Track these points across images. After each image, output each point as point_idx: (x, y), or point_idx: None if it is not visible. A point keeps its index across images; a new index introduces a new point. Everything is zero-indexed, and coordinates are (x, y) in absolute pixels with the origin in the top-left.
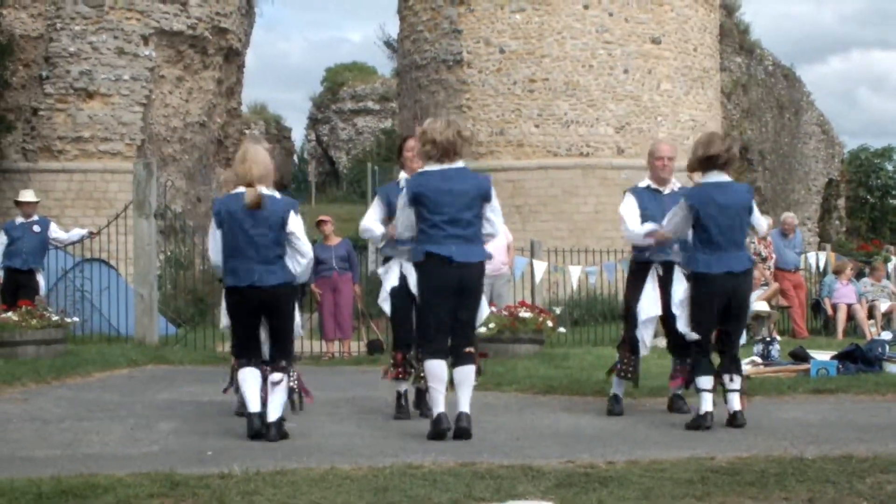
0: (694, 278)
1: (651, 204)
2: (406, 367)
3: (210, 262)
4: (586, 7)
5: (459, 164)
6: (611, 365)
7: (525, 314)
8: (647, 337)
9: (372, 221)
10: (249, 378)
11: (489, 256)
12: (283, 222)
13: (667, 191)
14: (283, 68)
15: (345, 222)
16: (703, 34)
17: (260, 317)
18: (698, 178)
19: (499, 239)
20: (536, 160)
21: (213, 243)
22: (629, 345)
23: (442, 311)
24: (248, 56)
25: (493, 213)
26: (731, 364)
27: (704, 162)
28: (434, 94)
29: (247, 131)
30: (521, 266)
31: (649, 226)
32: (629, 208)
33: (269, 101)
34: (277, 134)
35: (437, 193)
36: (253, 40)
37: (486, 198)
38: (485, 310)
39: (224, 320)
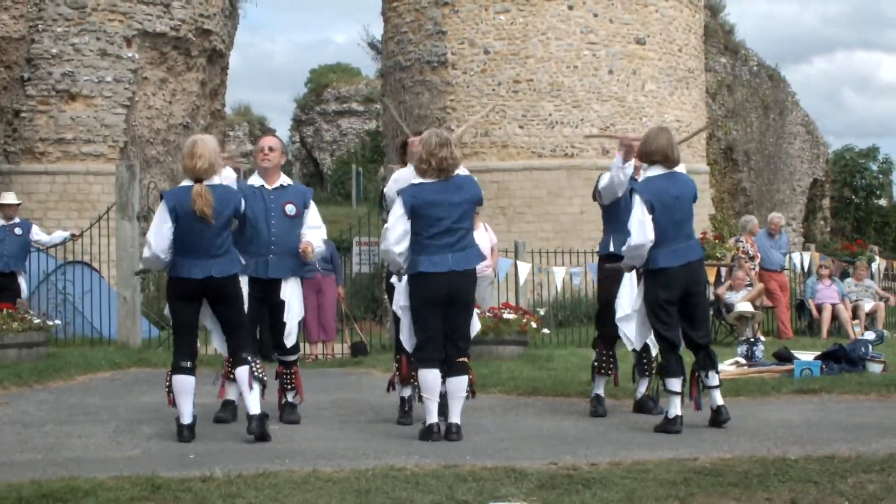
0: (653, 276)
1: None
2: (412, 372)
3: (147, 253)
4: (571, 8)
5: (457, 172)
6: (591, 365)
7: (509, 315)
8: (632, 331)
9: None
10: (188, 387)
11: (483, 258)
12: (235, 211)
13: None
14: (267, 70)
15: (329, 223)
16: (688, 35)
17: (198, 313)
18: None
19: (483, 241)
20: (521, 161)
21: (159, 236)
22: (604, 340)
23: (434, 320)
24: (232, 57)
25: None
26: (707, 359)
27: (647, 156)
28: (418, 95)
29: (231, 133)
30: (505, 267)
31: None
32: (603, 180)
33: (254, 102)
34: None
35: (433, 206)
36: (237, 42)
37: (480, 202)
38: (477, 321)
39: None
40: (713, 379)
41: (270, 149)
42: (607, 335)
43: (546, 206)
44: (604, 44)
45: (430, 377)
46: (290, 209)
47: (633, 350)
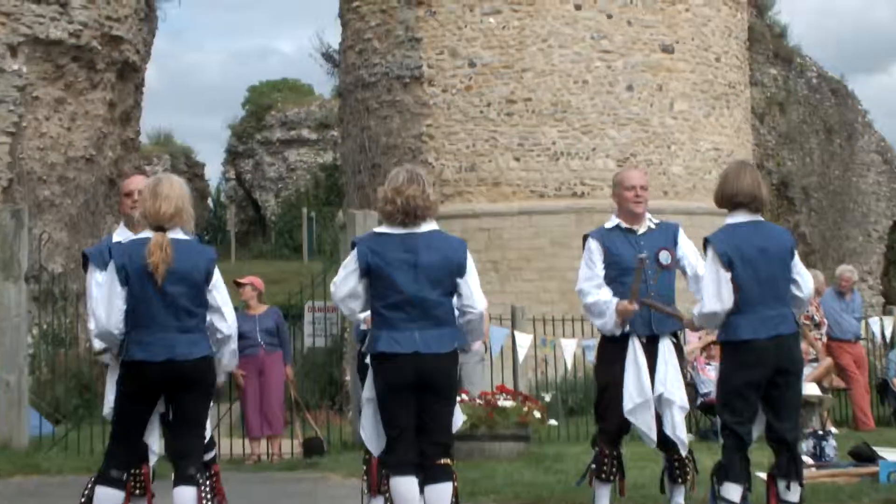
0: (730, 350)
1: (623, 248)
2: (384, 480)
3: (96, 329)
4: (578, 7)
5: (426, 226)
6: (584, 469)
7: (505, 402)
8: (646, 425)
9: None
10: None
11: (463, 346)
12: (207, 275)
13: (642, 229)
14: (194, 87)
15: (274, 284)
16: (728, 40)
17: (154, 406)
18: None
19: None
20: (517, 203)
21: (106, 304)
22: (606, 437)
23: (404, 415)
24: (149, 72)
25: (468, 286)
26: (791, 465)
27: (728, 199)
28: (386, 119)
29: (147, 167)
30: (499, 339)
31: (602, 294)
32: (590, 260)
33: (177, 128)
34: (187, 171)
35: (396, 267)
36: (154, 51)
37: (460, 271)
38: (460, 411)
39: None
40: (794, 494)
41: (141, 192)
42: (609, 430)
43: (549, 259)
44: (620, 52)
45: (403, 487)
46: None
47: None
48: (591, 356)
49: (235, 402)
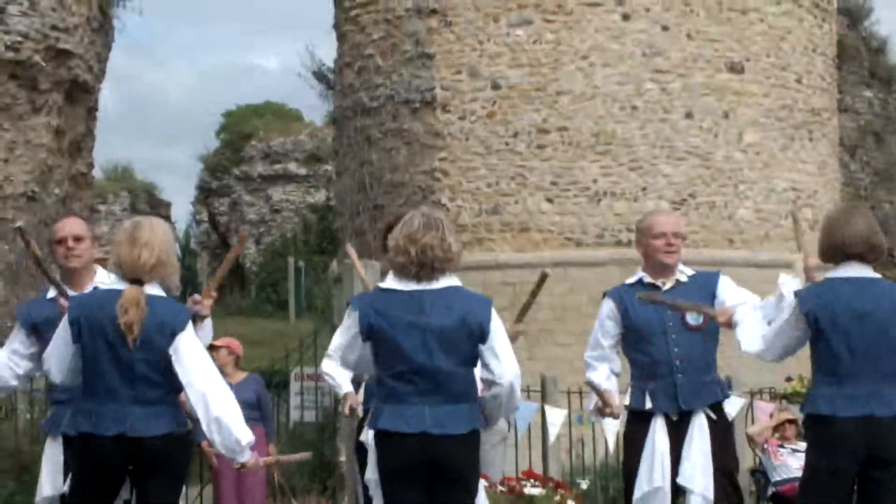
0: (810, 428)
1: (643, 308)
2: None
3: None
4: (626, 17)
5: (445, 281)
6: None
7: (533, 490)
8: None
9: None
10: None
11: (483, 425)
12: (172, 337)
13: (668, 284)
14: (159, 112)
15: (254, 347)
16: (812, 56)
17: (117, 492)
18: (815, 270)
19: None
20: (549, 252)
21: (56, 360)
22: None
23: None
24: (104, 93)
25: (494, 353)
26: None
27: (836, 249)
28: (391, 152)
29: (102, 207)
30: (526, 415)
31: (601, 377)
32: (601, 325)
33: (137, 161)
34: (150, 212)
35: (403, 330)
36: (110, 69)
37: (482, 336)
38: (484, 502)
39: (47, 489)
40: None
41: (77, 238)
42: None
43: (587, 320)
44: (678, 72)
45: None
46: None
47: None
48: None
49: (207, 485)
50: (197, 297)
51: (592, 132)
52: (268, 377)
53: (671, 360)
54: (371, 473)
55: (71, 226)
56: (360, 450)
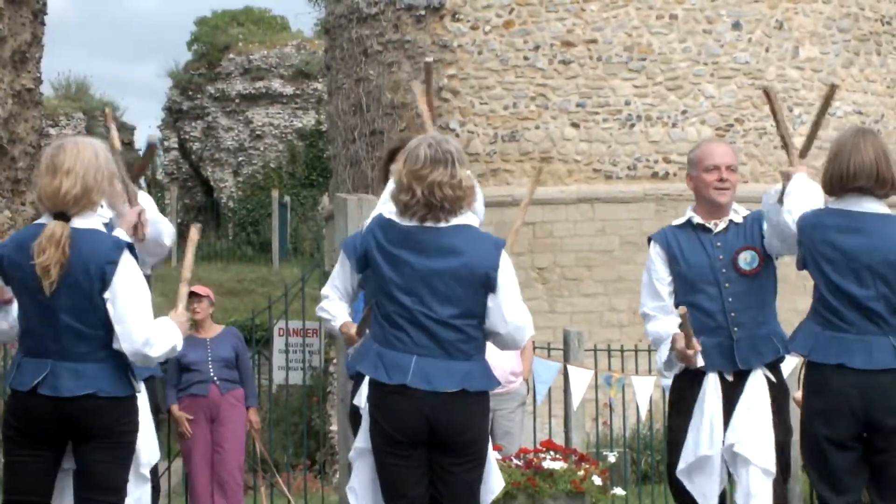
0: (807, 379)
1: (693, 254)
2: None
3: None
4: None
5: (455, 220)
6: None
7: (553, 464)
8: (700, 492)
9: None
10: None
11: (486, 386)
12: (102, 280)
13: (721, 226)
14: (120, 19)
15: (231, 296)
16: None
17: (55, 458)
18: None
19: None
20: (575, 186)
21: None
22: None
23: (409, 475)
24: None
25: (499, 306)
26: None
27: (837, 179)
28: (392, 67)
29: (52, 130)
30: (546, 377)
31: (664, 323)
32: (653, 271)
33: (95, 77)
34: (109, 137)
35: (398, 269)
36: None
37: (488, 284)
38: (496, 477)
39: None
40: None
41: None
42: (685, 495)
43: (619, 266)
44: None
45: None
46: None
47: None
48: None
49: (177, 458)
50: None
51: (625, 45)
52: (247, 332)
53: (726, 313)
54: (360, 442)
55: None
56: (356, 416)
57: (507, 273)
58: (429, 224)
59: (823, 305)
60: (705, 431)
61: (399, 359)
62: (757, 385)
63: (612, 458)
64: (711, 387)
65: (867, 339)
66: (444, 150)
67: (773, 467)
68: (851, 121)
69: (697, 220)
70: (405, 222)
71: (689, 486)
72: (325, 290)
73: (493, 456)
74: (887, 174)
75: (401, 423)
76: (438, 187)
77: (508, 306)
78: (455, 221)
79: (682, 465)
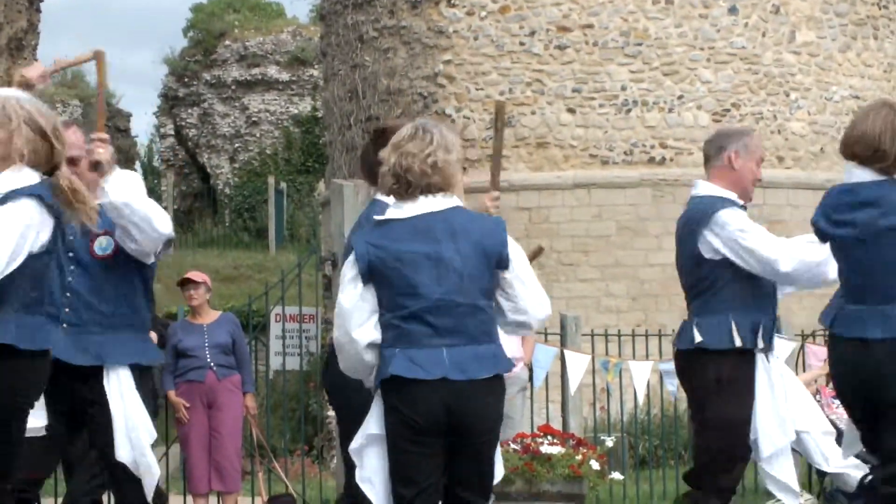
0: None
1: None
2: None
3: None
4: None
5: (446, 201)
6: None
7: (551, 448)
8: (789, 475)
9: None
10: None
11: (508, 368)
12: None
13: None
14: (116, 5)
15: (228, 283)
16: None
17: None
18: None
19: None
20: (571, 172)
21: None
22: (717, 495)
23: (425, 466)
24: None
25: (519, 281)
26: None
27: (841, 145)
28: (388, 53)
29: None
30: (544, 362)
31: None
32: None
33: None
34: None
35: (412, 263)
36: None
37: (501, 262)
38: (499, 462)
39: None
40: None
41: None
42: (731, 489)
43: (616, 251)
44: None
45: None
46: (106, 245)
47: None
48: (672, 384)
49: (174, 444)
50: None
51: (621, 30)
52: (244, 318)
53: (776, 293)
54: (373, 427)
55: None
56: (334, 391)
57: (516, 248)
58: (428, 209)
59: None
60: (782, 416)
61: (431, 354)
62: (780, 362)
63: (609, 443)
64: (773, 367)
65: None
66: (426, 129)
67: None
68: (848, 105)
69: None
70: (403, 213)
71: (775, 472)
72: (351, 322)
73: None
74: (888, 148)
75: (428, 416)
76: (405, 156)
77: (526, 277)
78: (444, 203)
79: (766, 454)
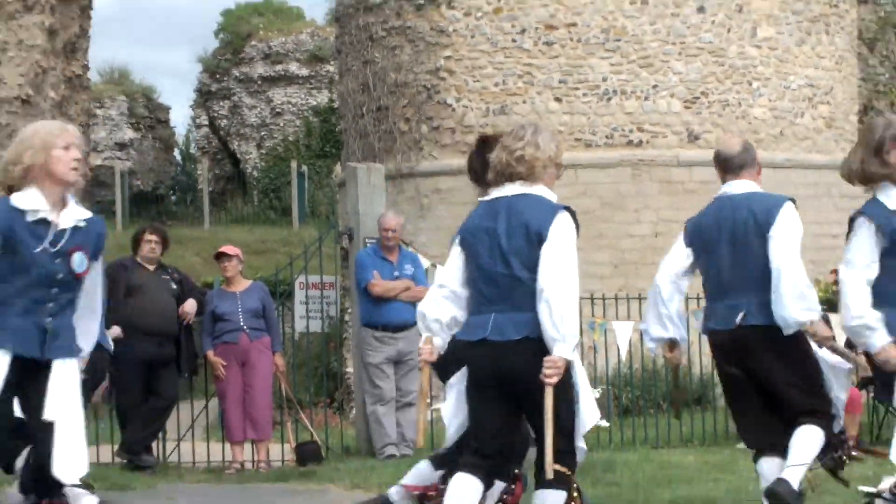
0: None
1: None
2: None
3: None
4: None
5: (522, 188)
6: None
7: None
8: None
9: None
10: None
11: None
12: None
13: None
14: (156, 10)
15: (256, 255)
16: None
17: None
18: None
19: None
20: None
21: None
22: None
23: (486, 410)
24: None
25: (547, 258)
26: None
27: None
28: (395, 50)
29: (99, 111)
30: None
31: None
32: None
33: (135, 63)
34: (148, 116)
35: (478, 237)
36: None
37: (540, 236)
38: (591, 408)
39: None
40: None
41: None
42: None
43: (599, 224)
44: None
45: (460, 487)
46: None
47: None
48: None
49: (213, 398)
50: None
51: (601, 28)
52: (272, 286)
53: None
54: (454, 379)
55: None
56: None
57: (561, 232)
58: (501, 193)
59: None
60: None
61: (481, 319)
62: None
63: (596, 394)
64: None
65: None
66: (522, 130)
67: None
68: (804, 93)
69: None
70: (487, 196)
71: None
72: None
73: (587, 392)
74: (857, 168)
75: (479, 371)
76: (502, 150)
77: (555, 257)
78: (522, 189)
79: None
